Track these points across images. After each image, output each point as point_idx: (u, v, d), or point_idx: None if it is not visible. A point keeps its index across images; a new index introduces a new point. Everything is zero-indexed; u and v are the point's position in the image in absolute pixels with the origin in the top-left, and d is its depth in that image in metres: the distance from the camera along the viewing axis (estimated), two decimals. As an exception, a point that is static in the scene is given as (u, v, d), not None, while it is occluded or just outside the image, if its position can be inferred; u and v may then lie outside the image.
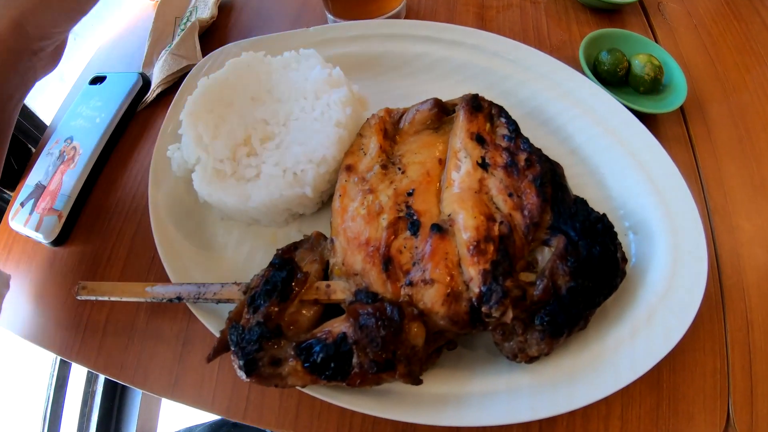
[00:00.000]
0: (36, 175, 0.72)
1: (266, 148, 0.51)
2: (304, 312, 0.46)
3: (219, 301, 0.49)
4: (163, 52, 0.77)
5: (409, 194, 0.49)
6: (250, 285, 0.47)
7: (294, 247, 0.48)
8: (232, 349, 0.44)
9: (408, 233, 0.47)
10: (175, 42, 0.75)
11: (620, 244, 0.49)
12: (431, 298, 0.44)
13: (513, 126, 0.52)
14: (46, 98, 1.10)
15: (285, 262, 0.46)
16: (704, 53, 0.76)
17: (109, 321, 0.61)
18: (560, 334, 0.46)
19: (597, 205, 0.53)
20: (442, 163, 0.52)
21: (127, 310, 0.60)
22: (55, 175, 0.72)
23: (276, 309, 0.45)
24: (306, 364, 0.43)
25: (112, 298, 0.53)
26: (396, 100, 0.59)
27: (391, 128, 0.53)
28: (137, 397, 1.00)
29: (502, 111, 0.53)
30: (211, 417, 0.81)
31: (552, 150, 0.55)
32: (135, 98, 0.75)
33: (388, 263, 0.45)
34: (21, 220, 0.68)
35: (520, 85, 0.61)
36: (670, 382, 0.53)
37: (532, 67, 0.61)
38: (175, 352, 0.57)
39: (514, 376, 0.48)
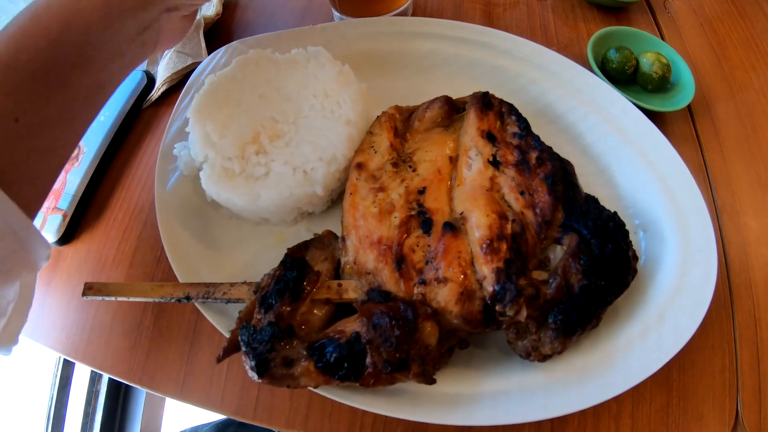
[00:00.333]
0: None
1: (276, 146, 0.50)
2: (315, 311, 0.46)
3: (228, 301, 0.48)
4: (168, 50, 0.76)
5: (421, 192, 0.48)
6: (260, 284, 0.47)
7: (305, 246, 0.48)
8: (244, 349, 0.43)
9: (420, 231, 0.46)
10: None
11: (631, 242, 0.49)
12: (445, 297, 0.43)
13: (524, 124, 0.52)
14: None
15: (296, 262, 0.46)
16: (710, 51, 0.75)
17: (115, 320, 0.60)
18: (573, 333, 0.46)
19: (607, 203, 0.52)
20: (452, 161, 0.51)
21: (134, 309, 0.59)
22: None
23: (288, 309, 0.44)
24: (319, 365, 0.42)
25: (119, 299, 0.52)
26: (405, 98, 0.58)
27: (401, 126, 0.52)
28: (141, 397, 0.99)
29: (512, 109, 0.53)
30: (216, 416, 0.80)
31: (562, 148, 0.55)
32: (139, 96, 0.74)
33: (400, 262, 0.45)
34: (25, 219, 0.67)
35: (530, 84, 0.60)
36: (680, 380, 0.53)
37: (542, 65, 0.60)
38: (183, 352, 0.56)
39: (527, 375, 0.48)
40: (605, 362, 0.48)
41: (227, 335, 0.50)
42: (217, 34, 0.80)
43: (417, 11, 0.76)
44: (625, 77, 0.65)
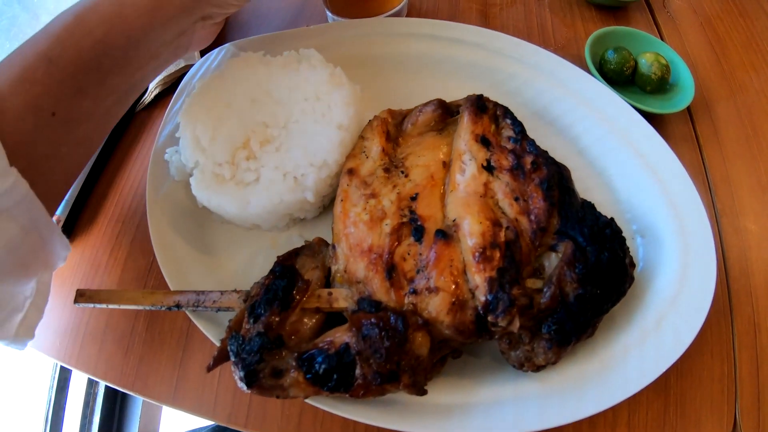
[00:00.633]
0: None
1: (266, 151, 0.49)
2: (305, 321, 0.44)
3: (219, 310, 0.47)
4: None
5: (413, 199, 0.47)
6: (250, 293, 0.45)
7: (295, 253, 0.46)
8: (233, 359, 0.42)
9: (412, 239, 0.45)
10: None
11: (628, 248, 0.48)
12: (436, 306, 0.42)
13: (519, 128, 0.50)
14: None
15: (286, 270, 0.44)
16: (710, 51, 0.73)
17: (108, 327, 0.59)
18: (568, 343, 0.45)
19: (604, 208, 0.51)
20: (446, 165, 0.50)
21: (127, 315, 0.58)
22: (53, 178, 0.70)
23: (277, 318, 0.43)
24: (308, 376, 0.41)
25: (111, 306, 0.51)
26: (398, 101, 0.57)
27: (393, 130, 0.51)
28: (139, 399, 0.99)
29: (507, 112, 0.51)
30: (212, 419, 0.79)
31: (559, 151, 0.53)
32: (133, 99, 0.72)
33: (391, 271, 0.43)
34: (18, 223, 0.66)
35: (525, 85, 0.59)
36: (678, 387, 0.52)
37: (537, 66, 0.58)
38: (175, 359, 0.55)
39: (521, 385, 0.47)
40: (602, 371, 0.47)
41: (218, 343, 0.49)
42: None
43: (412, 11, 0.75)
44: (624, 78, 0.63)
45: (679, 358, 0.46)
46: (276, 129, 0.50)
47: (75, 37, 0.40)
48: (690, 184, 0.54)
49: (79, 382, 0.92)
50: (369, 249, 0.44)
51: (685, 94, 0.62)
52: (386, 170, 0.48)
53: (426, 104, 0.52)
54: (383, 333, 0.40)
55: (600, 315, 0.46)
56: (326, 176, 0.48)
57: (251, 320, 0.43)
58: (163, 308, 0.49)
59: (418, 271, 0.44)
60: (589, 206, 0.50)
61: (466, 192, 0.47)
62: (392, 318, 0.41)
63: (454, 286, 0.43)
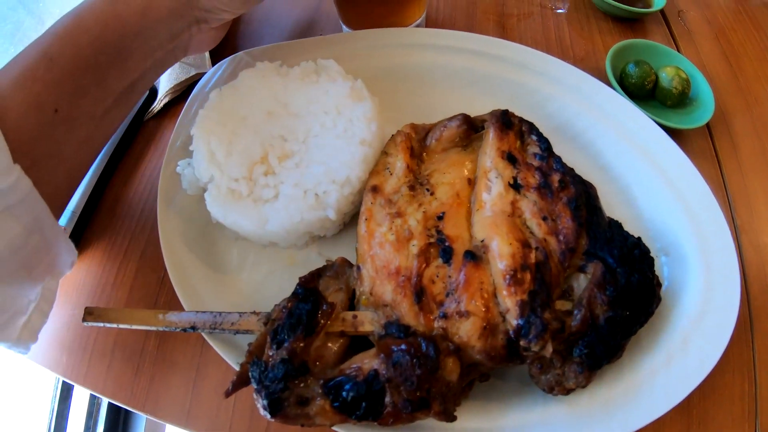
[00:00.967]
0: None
1: (285, 167, 0.46)
2: (329, 345, 0.42)
3: (237, 332, 0.45)
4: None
5: (439, 218, 0.45)
6: (271, 316, 0.43)
7: (317, 274, 0.44)
8: (255, 387, 0.40)
9: (440, 261, 0.43)
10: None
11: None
12: (467, 331, 0.40)
13: (545, 144, 0.49)
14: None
15: (309, 293, 0.42)
16: (726, 64, 0.72)
17: (117, 345, 0.56)
18: (599, 366, 0.43)
19: (627, 225, 0.49)
20: (471, 183, 0.48)
21: (137, 333, 0.56)
22: (59, 189, 0.67)
23: (301, 344, 0.40)
24: (335, 404, 0.39)
25: (121, 326, 0.49)
26: (417, 113, 0.55)
27: (417, 146, 0.49)
28: (144, 411, 0.96)
29: (533, 128, 0.49)
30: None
31: (581, 168, 0.52)
32: (141, 107, 0.70)
33: (420, 294, 0.41)
34: (22, 236, 0.62)
35: (547, 99, 0.57)
36: (700, 407, 0.50)
37: (559, 80, 0.57)
38: (188, 380, 0.52)
39: (549, 408, 0.45)
40: (629, 393, 0.45)
41: (235, 367, 0.47)
42: (222, 44, 0.75)
43: (428, 22, 0.72)
44: (644, 92, 0.61)
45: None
46: (295, 143, 0.47)
47: (73, 35, 0.41)
48: (713, 202, 0.52)
49: (82, 392, 0.89)
50: (396, 271, 0.42)
51: (705, 109, 0.60)
52: (411, 188, 0.46)
53: (450, 119, 0.50)
54: (414, 360, 0.38)
55: (629, 337, 0.45)
56: (349, 193, 0.46)
57: (274, 346, 0.41)
58: (178, 330, 0.47)
59: (447, 294, 0.42)
60: (616, 225, 0.48)
61: (493, 211, 0.45)
62: (423, 344, 0.39)
63: (485, 310, 0.41)
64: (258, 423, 0.49)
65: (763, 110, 0.68)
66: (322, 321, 0.41)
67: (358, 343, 0.44)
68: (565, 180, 0.47)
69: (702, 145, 0.63)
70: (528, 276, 0.42)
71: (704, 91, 0.62)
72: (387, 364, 0.39)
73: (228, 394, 0.43)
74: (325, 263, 0.46)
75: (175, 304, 0.52)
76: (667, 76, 0.60)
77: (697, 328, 0.48)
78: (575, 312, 0.43)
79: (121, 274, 0.60)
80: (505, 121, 0.49)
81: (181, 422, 0.52)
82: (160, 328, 0.47)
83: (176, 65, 0.68)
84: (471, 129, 0.50)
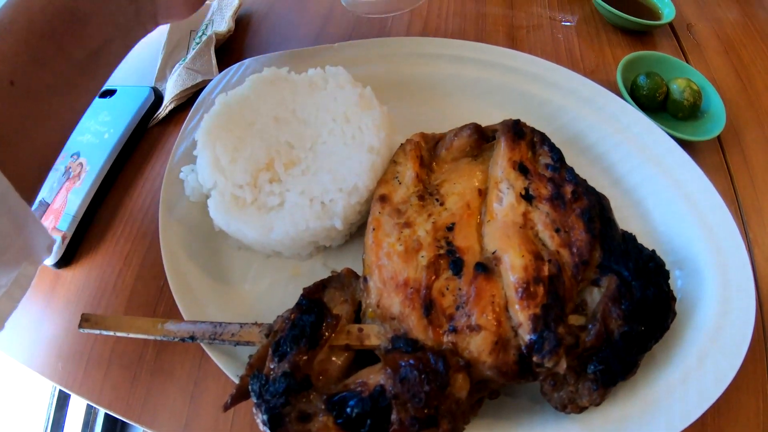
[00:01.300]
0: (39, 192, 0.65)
1: (291, 174, 0.45)
2: (334, 359, 0.40)
3: (237, 343, 0.43)
4: (177, 65, 0.71)
5: (449, 229, 0.43)
6: (273, 328, 0.41)
7: (322, 285, 0.42)
8: (255, 401, 0.38)
9: (450, 273, 0.41)
10: (190, 56, 0.68)
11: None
12: (478, 346, 0.38)
13: (557, 155, 0.47)
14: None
15: (313, 304, 0.40)
16: (736, 77, 0.71)
17: (114, 353, 0.54)
18: (614, 383, 0.41)
19: (641, 239, 0.48)
20: (482, 193, 0.46)
21: (135, 342, 0.54)
22: (60, 193, 0.66)
23: (304, 357, 0.38)
24: (339, 420, 0.36)
25: (118, 334, 0.47)
26: (427, 124, 0.53)
27: (427, 155, 0.47)
28: (141, 421, 0.93)
29: (545, 138, 0.48)
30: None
31: (594, 180, 0.50)
32: (146, 114, 0.69)
33: (429, 307, 0.39)
34: (23, 239, 0.61)
35: (559, 110, 0.55)
36: (715, 425, 0.49)
37: (572, 91, 0.55)
38: (186, 391, 0.50)
39: (562, 426, 0.43)
40: (645, 412, 0.43)
41: (235, 379, 0.45)
42: (229, 51, 0.74)
43: (438, 32, 0.71)
44: (655, 104, 0.60)
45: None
46: (302, 150, 0.46)
47: (25, 3, 0.39)
48: (728, 216, 0.51)
49: (79, 401, 0.87)
50: (404, 283, 0.40)
51: (716, 122, 0.59)
52: (420, 197, 0.44)
53: (461, 129, 0.48)
54: (423, 375, 0.36)
55: (644, 352, 0.43)
56: (356, 202, 0.44)
57: (276, 358, 0.39)
58: (176, 339, 0.45)
59: (457, 308, 0.40)
60: (630, 238, 0.46)
61: (504, 222, 0.44)
62: (432, 359, 0.37)
63: (496, 324, 0.39)
64: (257, 438, 0.47)
65: (775, 124, 0.67)
66: (326, 334, 0.39)
67: (363, 357, 0.41)
68: (578, 191, 0.45)
69: (713, 158, 0.61)
70: (541, 289, 0.40)
71: (715, 103, 0.60)
72: (394, 379, 0.37)
73: (227, 407, 0.40)
74: (331, 274, 0.44)
75: (175, 313, 0.50)
76: (678, 87, 0.59)
77: (713, 345, 0.46)
78: (589, 327, 0.41)
79: (120, 280, 0.58)
80: (517, 131, 0.47)
81: (178, 436, 0.49)
82: (159, 338, 0.45)
83: (182, 71, 0.67)
84: (482, 139, 0.48)
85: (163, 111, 0.67)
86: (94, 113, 0.70)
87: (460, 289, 0.40)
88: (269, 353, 0.39)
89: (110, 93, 0.71)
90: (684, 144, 0.55)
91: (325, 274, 0.46)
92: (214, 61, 0.68)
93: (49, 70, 0.40)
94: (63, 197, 0.65)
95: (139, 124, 0.67)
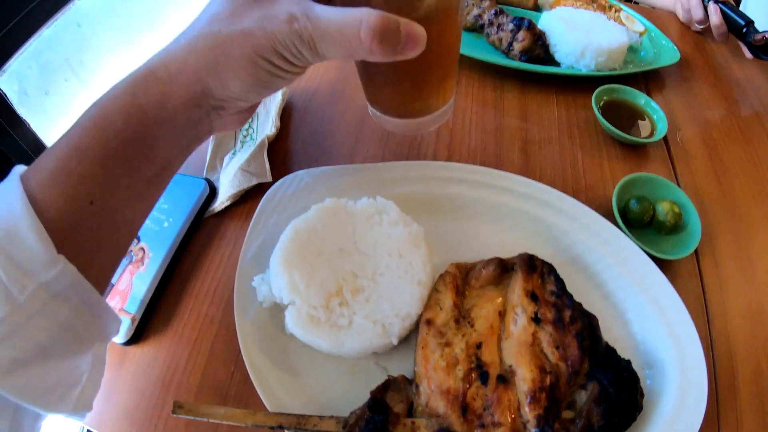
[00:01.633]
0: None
1: (357, 300, 0.70)
2: (394, 446, 0.66)
3: (317, 432, 0.68)
4: (227, 158, 0.94)
5: (478, 347, 0.69)
6: (348, 421, 0.67)
7: (384, 388, 0.68)
8: (339, 479, 0.64)
9: (479, 383, 0.67)
10: (243, 155, 0.92)
11: (639, 381, 0.71)
12: (499, 439, 0.65)
13: (560, 284, 0.73)
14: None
15: (380, 405, 0.66)
16: (717, 183, 0.99)
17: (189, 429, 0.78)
18: (594, 463, 0.68)
19: (621, 342, 0.75)
20: (501, 315, 0.72)
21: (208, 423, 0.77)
22: (124, 275, 0.89)
23: (375, 446, 0.64)
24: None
25: (211, 420, 0.71)
26: (456, 243, 0.79)
27: (461, 284, 0.73)
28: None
29: (552, 270, 0.74)
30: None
31: (588, 294, 0.77)
32: (202, 205, 0.92)
33: (465, 409, 0.66)
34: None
35: (563, 234, 0.82)
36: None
37: (575, 218, 0.82)
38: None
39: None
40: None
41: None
42: (275, 150, 0.99)
43: (461, 145, 0.98)
44: (643, 224, 0.87)
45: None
46: (365, 280, 0.71)
47: (99, 128, 0.49)
48: (692, 327, 0.77)
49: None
50: (447, 390, 0.66)
51: (693, 237, 0.86)
52: (456, 321, 0.70)
53: (487, 262, 0.74)
54: (461, 462, 0.63)
55: (617, 438, 0.70)
56: (409, 324, 0.70)
57: (353, 447, 0.65)
58: (266, 427, 0.70)
59: (485, 409, 0.66)
60: (612, 351, 0.73)
61: (518, 341, 0.70)
62: (467, 448, 0.64)
63: (511, 421, 0.66)
64: None
65: (745, 227, 0.95)
66: (390, 428, 0.65)
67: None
68: (575, 315, 0.72)
69: (688, 265, 0.89)
70: (544, 395, 0.67)
71: (693, 221, 0.88)
72: (440, 464, 0.63)
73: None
74: (387, 377, 0.70)
75: (245, 399, 0.74)
76: (663, 210, 0.86)
77: (671, 428, 0.73)
78: (577, 421, 0.68)
79: (190, 363, 0.82)
80: (531, 265, 0.73)
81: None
82: (249, 424, 0.70)
83: (238, 172, 0.91)
84: (503, 270, 0.74)
85: (220, 206, 0.91)
86: (154, 201, 0.94)
87: (486, 395, 0.67)
88: (347, 443, 0.65)
89: (167, 182, 0.95)
90: (663, 261, 0.83)
91: (377, 372, 0.72)
92: (267, 165, 0.92)
93: (122, 189, 0.51)
94: (128, 280, 0.88)
95: (196, 215, 0.91)
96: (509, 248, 0.79)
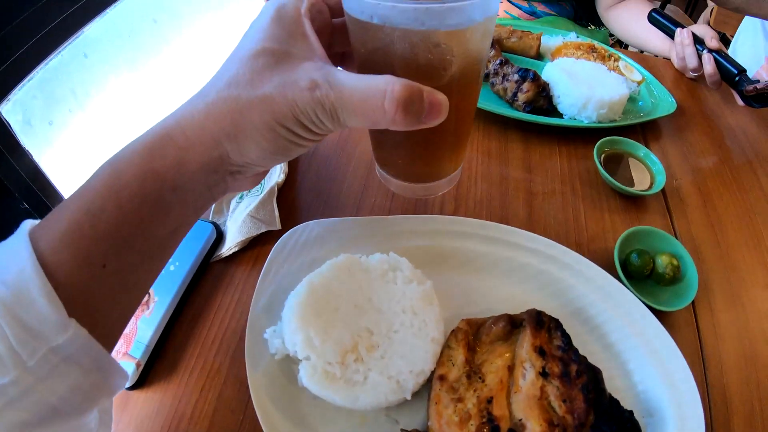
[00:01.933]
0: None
1: (372, 357, 0.74)
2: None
3: (333, 486, 0.73)
4: (233, 202, 0.98)
5: (489, 401, 0.74)
6: (364, 476, 0.71)
7: (400, 443, 0.73)
8: None
9: (490, 437, 0.72)
10: (254, 204, 0.96)
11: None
12: (510, 490, 0.70)
13: (566, 339, 0.79)
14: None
15: (395, 460, 0.70)
16: (711, 232, 1.06)
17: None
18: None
19: (623, 392, 0.81)
20: (510, 369, 0.77)
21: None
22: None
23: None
24: None
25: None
26: (464, 296, 0.85)
27: (471, 340, 0.78)
28: None
29: (558, 325, 0.80)
30: None
31: (591, 345, 0.83)
32: (210, 249, 0.96)
33: (478, 464, 0.70)
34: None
35: (568, 288, 0.88)
36: None
37: (579, 273, 0.88)
38: None
39: None
40: None
41: None
42: (284, 194, 1.03)
43: (468, 196, 1.03)
44: (643, 276, 0.94)
45: None
46: (380, 337, 0.76)
47: (113, 190, 0.49)
48: (689, 375, 0.84)
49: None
50: (460, 446, 0.71)
51: (691, 289, 0.93)
52: (468, 376, 0.75)
53: (497, 319, 0.80)
54: None
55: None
56: (422, 380, 0.75)
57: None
58: (282, 478, 0.74)
59: (496, 463, 0.71)
60: (615, 402, 0.79)
61: (527, 395, 0.75)
62: (480, 505, 0.69)
63: (522, 474, 0.71)
64: None
65: (738, 275, 1.02)
66: (408, 479, 0.70)
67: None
68: (580, 369, 0.78)
69: (686, 316, 0.95)
70: (552, 449, 0.72)
71: (691, 272, 0.94)
72: None
73: None
74: (400, 430, 0.74)
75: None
76: (661, 263, 0.93)
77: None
78: (583, 473, 0.73)
79: (197, 411, 0.85)
80: (539, 321, 0.79)
81: None
82: (265, 476, 0.74)
83: (246, 219, 0.95)
84: (512, 326, 0.80)
85: (227, 252, 0.95)
86: (160, 245, 0.97)
87: (497, 450, 0.72)
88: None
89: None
90: (663, 312, 0.89)
91: (387, 423, 0.76)
92: (276, 213, 0.96)
93: (135, 251, 0.51)
94: (133, 324, 0.91)
95: (203, 258, 0.95)
96: (516, 301, 0.85)
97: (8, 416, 0.44)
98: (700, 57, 1.40)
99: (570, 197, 1.07)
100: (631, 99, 1.33)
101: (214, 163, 0.53)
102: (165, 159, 0.51)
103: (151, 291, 0.94)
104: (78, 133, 1.17)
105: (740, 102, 1.36)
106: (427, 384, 0.77)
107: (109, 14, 1.23)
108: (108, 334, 0.52)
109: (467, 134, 0.73)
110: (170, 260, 0.96)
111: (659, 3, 3.51)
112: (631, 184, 1.12)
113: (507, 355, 0.79)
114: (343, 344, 0.75)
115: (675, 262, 0.94)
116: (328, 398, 0.76)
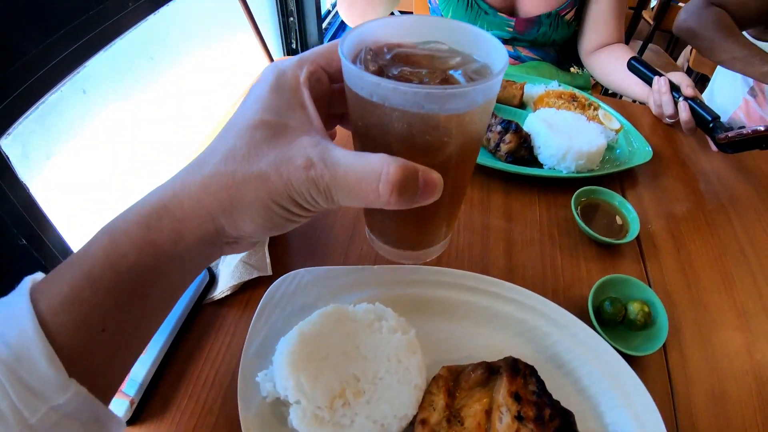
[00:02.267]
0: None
1: (359, 402, 0.82)
2: None
3: None
4: (226, 248, 1.07)
5: (467, 445, 0.83)
6: None
7: (383, 484, 0.81)
8: None
9: (469, 480, 0.81)
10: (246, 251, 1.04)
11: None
12: None
13: (541, 385, 0.88)
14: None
15: (379, 502, 0.78)
16: (683, 277, 1.16)
17: None
18: None
19: (596, 434, 0.90)
20: (488, 414, 0.86)
21: None
22: (123, 359, 0.99)
23: None
24: None
25: None
26: (446, 343, 0.94)
27: (452, 386, 0.87)
28: None
29: (533, 372, 0.89)
30: None
31: (565, 388, 0.92)
32: (202, 294, 1.04)
33: (457, 504, 0.79)
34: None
35: (544, 335, 0.97)
36: None
37: (555, 321, 0.97)
38: None
39: None
40: None
41: None
42: (275, 241, 1.12)
43: (450, 246, 1.13)
44: (616, 322, 1.03)
45: None
46: (366, 383, 0.84)
47: (111, 259, 0.52)
48: (658, 418, 0.93)
49: None
50: (441, 487, 0.79)
51: (661, 334, 1.02)
52: (448, 420, 0.84)
53: (476, 366, 0.88)
54: None
55: None
56: (406, 424, 0.83)
57: None
58: None
59: (473, 506, 0.79)
60: (587, 446, 0.88)
61: (503, 439, 0.84)
62: None
63: None
64: None
65: (709, 316, 1.12)
66: None
67: None
68: (553, 413, 0.87)
69: (657, 359, 1.05)
70: (525, 491, 0.81)
71: (662, 319, 1.04)
72: None
73: None
74: (384, 470, 0.82)
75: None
76: (633, 310, 1.03)
77: None
78: None
79: (191, 452, 0.93)
80: (515, 368, 0.88)
81: None
82: None
83: (239, 264, 1.03)
84: (490, 373, 0.89)
85: (220, 295, 1.03)
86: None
87: (475, 492, 0.80)
88: None
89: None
90: (634, 357, 0.98)
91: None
92: (267, 259, 1.05)
93: (133, 315, 0.55)
94: (126, 365, 0.99)
95: (196, 300, 1.03)
96: (495, 348, 0.94)
97: None
98: (676, 104, 1.51)
99: (548, 246, 1.17)
100: (609, 147, 1.43)
101: (210, 236, 0.56)
102: (162, 231, 0.54)
103: (145, 333, 1.01)
104: (73, 166, 1.26)
105: (714, 148, 1.48)
106: (410, 428, 0.86)
107: (108, 52, 1.32)
108: (107, 389, 0.56)
109: (461, 203, 0.80)
110: (164, 302, 1.05)
111: (639, 48, 3.64)
112: (608, 232, 1.22)
113: (485, 400, 0.87)
114: (331, 390, 0.83)
115: (646, 309, 1.03)
116: (318, 440, 0.84)
